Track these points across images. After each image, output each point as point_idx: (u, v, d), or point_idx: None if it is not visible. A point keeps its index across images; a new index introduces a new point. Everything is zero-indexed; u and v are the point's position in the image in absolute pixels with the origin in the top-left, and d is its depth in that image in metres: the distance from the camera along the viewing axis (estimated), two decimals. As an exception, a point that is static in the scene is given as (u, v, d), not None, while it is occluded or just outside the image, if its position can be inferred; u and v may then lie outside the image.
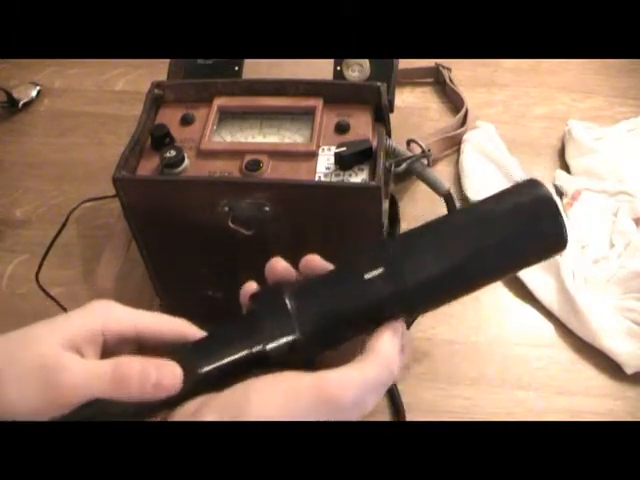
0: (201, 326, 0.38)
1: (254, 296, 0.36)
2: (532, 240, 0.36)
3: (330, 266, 0.37)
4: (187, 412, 0.33)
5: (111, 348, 0.36)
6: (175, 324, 0.38)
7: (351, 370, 0.33)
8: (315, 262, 0.37)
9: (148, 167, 0.55)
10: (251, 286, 0.37)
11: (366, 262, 0.35)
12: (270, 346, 0.34)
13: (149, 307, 0.66)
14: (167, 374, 0.33)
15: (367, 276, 0.35)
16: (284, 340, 0.34)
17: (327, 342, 0.35)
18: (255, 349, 0.34)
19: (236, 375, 0.34)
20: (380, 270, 0.35)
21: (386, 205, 0.60)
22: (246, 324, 0.35)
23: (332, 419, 0.32)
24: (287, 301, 0.35)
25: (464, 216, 0.37)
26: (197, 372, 0.34)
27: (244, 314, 0.37)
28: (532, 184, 0.36)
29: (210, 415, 0.32)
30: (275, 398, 0.32)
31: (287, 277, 0.37)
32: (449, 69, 0.87)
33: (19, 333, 0.35)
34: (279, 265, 0.38)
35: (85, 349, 0.35)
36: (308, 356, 0.35)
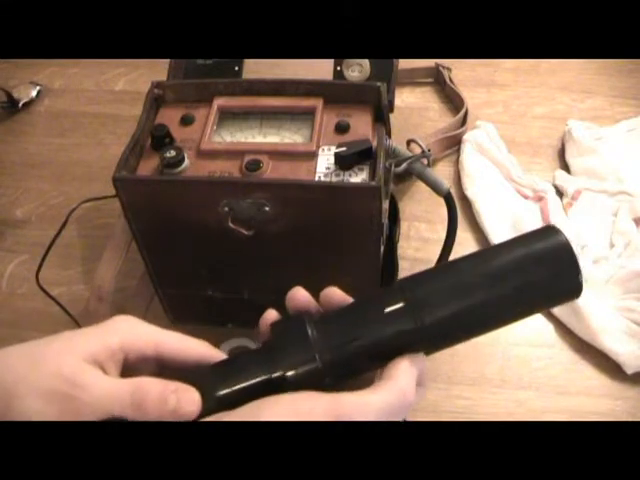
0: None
1: (275, 324, 0.37)
2: (549, 288, 0.36)
3: (349, 299, 0.38)
4: None
5: (132, 364, 0.36)
6: (196, 347, 0.38)
7: (367, 395, 0.34)
8: (335, 294, 0.38)
9: (148, 167, 0.55)
10: (271, 314, 0.38)
11: (387, 297, 0.36)
12: (290, 374, 0.34)
13: (148, 306, 0.67)
14: (186, 400, 0.34)
15: (387, 310, 0.36)
16: (305, 369, 0.35)
17: (346, 372, 0.36)
18: (274, 375, 0.34)
19: (253, 398, 0.34)
20: (400, 305, 0.36)
21: (386, 205, 0.60)
22: (267, 351, 0.36)
23: None
24: (309, 330, 0.35)
25: (484, 259, 0.37)
26: (214, 395, 0.34)
27: (265, 341, 0.37)
28: (551, 231, 0.37)
29: None
30: (286, 417, 0.32)
31: (307, 307, 0.38)
32: (449, 69, 0.87)
33: (38, 345, 0.35)
34: (299, 294, 0.38)
35: (106, 365, 0.35)
36: (326, 384, 0.35)
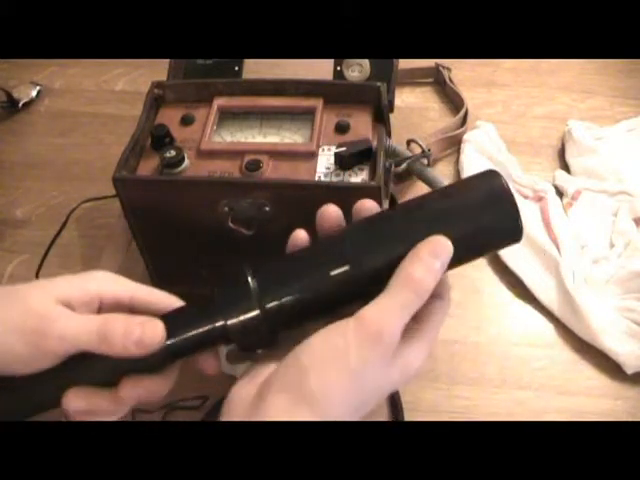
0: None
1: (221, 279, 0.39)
2: (486, 234, 0.36)
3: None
4: (247, 395, 0.34)
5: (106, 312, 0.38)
6: (165, 299, 0.40)
7: (383, 299, 0.34)
8: (367, 205, 0.38)
9: (148, 167, 0.55)
10: (300, 234, 0.40)
11: (330, 251, 0.37)
12: (231, 322, 0.36)
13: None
14: (150, 329, 0.35)
15: (332, 273, 0.36)
16: (245, 317, 0.36)
17: (286, 323, 0.37)
18: (217, 324, 0.36)
19: (200, 346, 0.37)
20: (345, 267, 0.36)
21: (386, 205, 0.60)
22: (211, 301, 0.38)
23: (383, 354, 0.33)
24: (250, 281, 0.37)
25: (421, 206, 0.37)
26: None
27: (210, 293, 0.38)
28: (491, 175, 0.37)
29: (278, 398, 0.33)
30: (327, 360, 0.33)
31: (338, 223, 0.39)
32: (449, 69, 0.87)
33: (15, 287, 0.36)
34: (331, 210, 0.39)
35: (79, 309, 0.36)
36: (267, 334, 0.36)
